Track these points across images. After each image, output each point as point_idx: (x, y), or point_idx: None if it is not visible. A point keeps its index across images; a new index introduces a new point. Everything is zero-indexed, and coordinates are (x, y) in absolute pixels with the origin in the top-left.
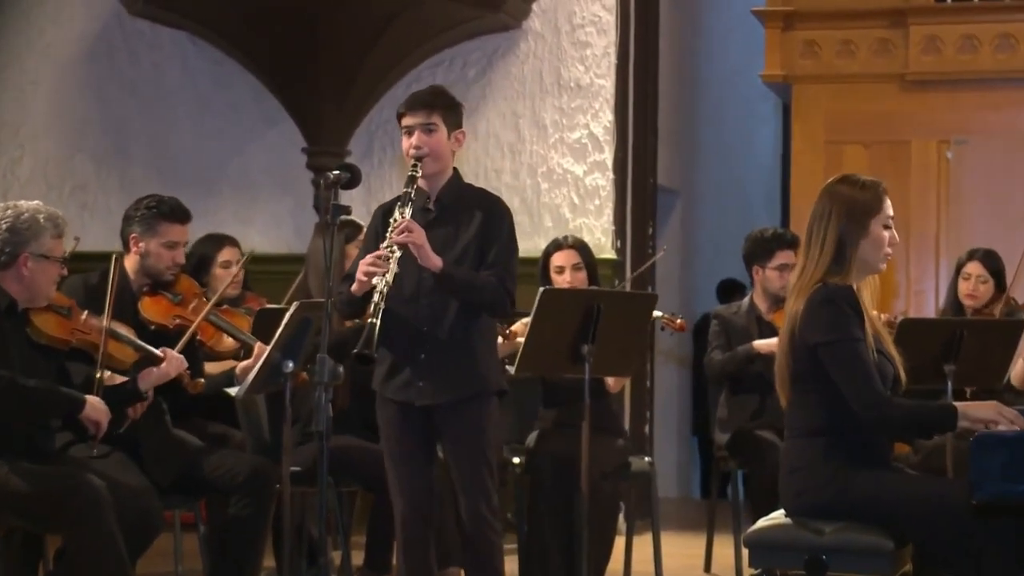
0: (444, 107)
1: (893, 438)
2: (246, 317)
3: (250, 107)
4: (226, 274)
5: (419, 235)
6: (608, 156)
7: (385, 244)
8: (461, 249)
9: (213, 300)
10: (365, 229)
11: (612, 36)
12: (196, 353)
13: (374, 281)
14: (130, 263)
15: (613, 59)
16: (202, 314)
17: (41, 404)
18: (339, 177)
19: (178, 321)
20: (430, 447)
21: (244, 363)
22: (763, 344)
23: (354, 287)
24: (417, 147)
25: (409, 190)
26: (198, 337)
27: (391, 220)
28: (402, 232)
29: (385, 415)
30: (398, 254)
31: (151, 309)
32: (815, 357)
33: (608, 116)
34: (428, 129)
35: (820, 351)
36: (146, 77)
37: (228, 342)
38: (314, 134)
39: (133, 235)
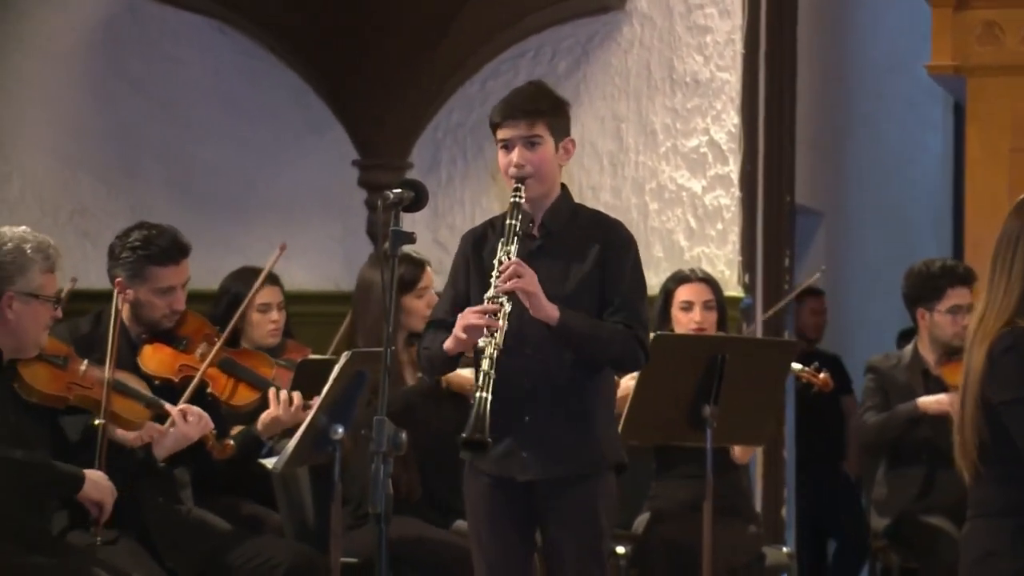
0: (550, 113)
1: None
2: (269, 362)
3: (290, 111)
4: (264, 320)
5: (530, 280)
6: (733, 168)
7: (490, 294)
8: (574, 287)
9: (222, 339)
10: (422, 271)
11: (738, 19)
12: (217, 411)
13: (480, 342)
14: (124, 307)
15: (739, 48)
16: (209, 358)
17: (31, 483)
18: (400, 196)
19: (185, 372)
20: (530, 532)
21: (265, 414)
22: (930, 401)
23: (449, 344)
24: (519, 166)
25: (514, 222)
26: (209, 390)
27: (495, 261)
28: (510, 277)
29: (476, 491)
30: (508, 307)
31: (152, 360)
32: (1000, 420)
33: (733, 119)
34: (531, 143)
35: (1002, 412)
36: (162, 75)
37: (248, 394)
38: (369, 143)
39: (119, 280)
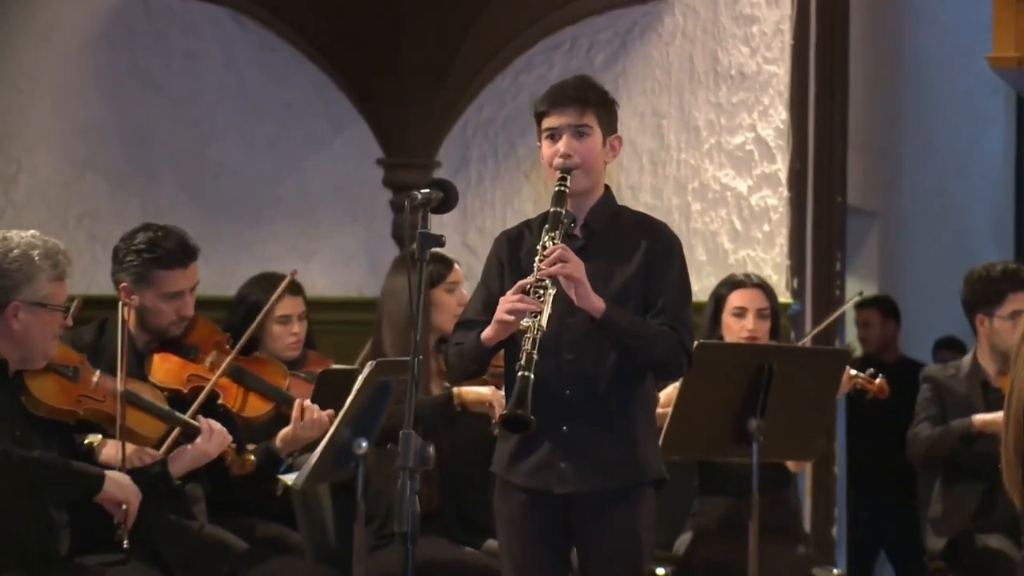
0: (599, 104)
1: None
2: (283, 370)
3: (311, 107)
4: (285, 333)
5: (576, 266)
6: (781, 167)
7: (534, 277)
8: (618, 289)
9: (235, 349)
10: (450, 268)
11: (787, 8)
12: (231, 423)
13: (523, 323)
14: (130, 314)
15: (788, 38)
16: (221, 368)
17: (45, 481)
18: (428, 197)
19: (194, 383)
20: (565, 551)
21: (284, 431)
22: (986, 419)
23: (488, 332)
24: (566, 155)
25: (559, 209)
26: (219, 401)
27: (538, 247)
28: (555, 262)
29: (509, 507)
30: (553, 290)
31: (160, 371)
32: None
33: (781, 114)
34: (580, 133)
35: None
36: (176, 70)
37: (261, 405)
38: (394, 141)
39: (123, 284)
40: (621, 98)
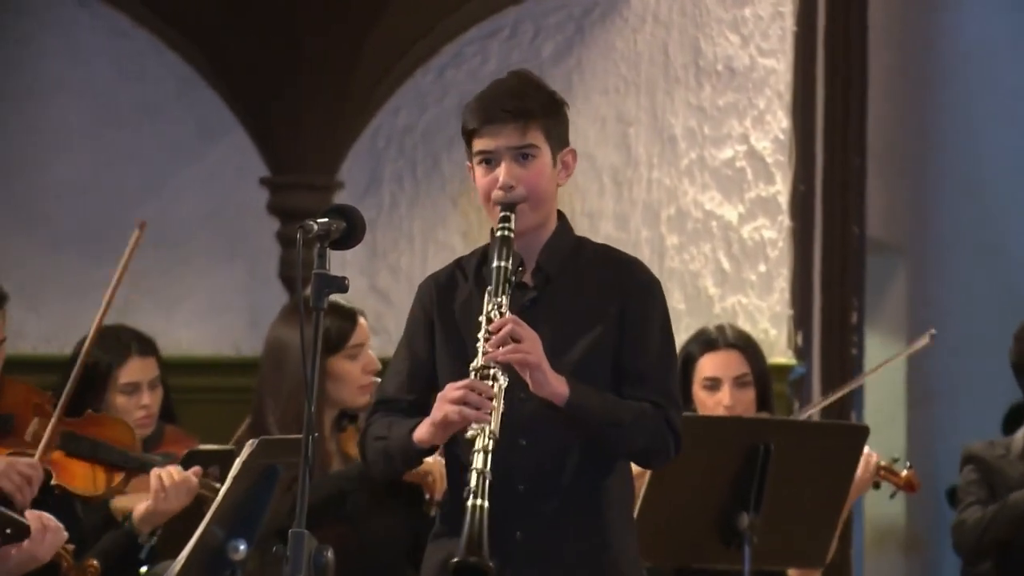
0: (545, 113)
1: None
2: (127, 427)
3: (174, 109)
4: (131, 405)
5: (532, 345)
6: (782, 189)
7: (479, 363)
8: (583, 354)
9: (59, 408)
10: (353, 325)
11: None
12: (70, 513)
13: (468, 432)
14: None
15: (790, 25)
16: (45, 438)
17: None
18: (327, 228)
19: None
20: None
21: (141, 507)
22: None
23: (423, 433)
24: (507, 187)
25: (504, 264)
26: (53, 481)
27: (481, 319)
28: (504, 341)
29: None
30: (504, 381)
31: None
32: None
33: (782, 121)
34: (523, 155)
35: None
36: (4, 61)
37: (108, 476)
38: (282, 154)
39: None
40: (576, 100)
